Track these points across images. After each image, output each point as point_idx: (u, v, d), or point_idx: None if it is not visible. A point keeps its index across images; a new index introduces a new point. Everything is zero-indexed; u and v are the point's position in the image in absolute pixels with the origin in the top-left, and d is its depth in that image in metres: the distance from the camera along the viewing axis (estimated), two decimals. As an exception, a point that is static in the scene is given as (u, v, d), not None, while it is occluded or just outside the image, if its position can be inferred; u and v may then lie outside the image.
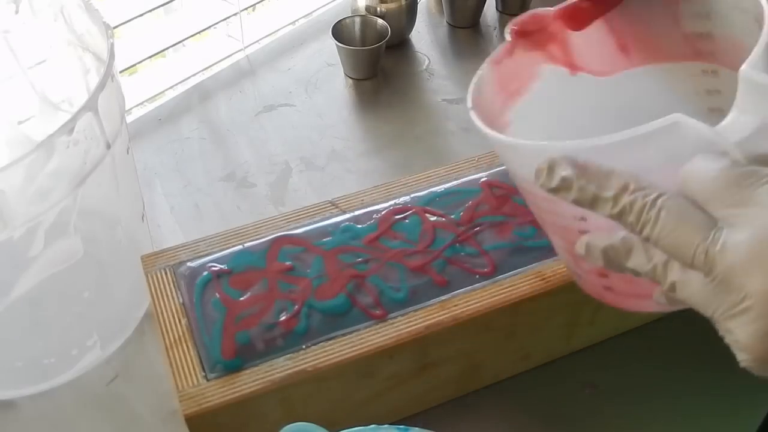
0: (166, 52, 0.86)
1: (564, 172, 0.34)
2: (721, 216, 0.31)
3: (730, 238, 0.31)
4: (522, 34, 0.46)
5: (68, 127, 0.45)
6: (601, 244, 0.36)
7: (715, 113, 0.46)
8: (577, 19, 0.46)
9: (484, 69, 0.44)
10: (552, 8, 0.46)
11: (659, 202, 0.32)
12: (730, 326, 0.32)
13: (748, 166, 0.31)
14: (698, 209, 0.32)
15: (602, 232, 0.36)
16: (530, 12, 0.46)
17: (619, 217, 0.33)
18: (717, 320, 0.32)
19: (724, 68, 0.45)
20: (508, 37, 0.45)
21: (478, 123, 0.39)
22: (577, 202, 0.34)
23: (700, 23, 0.44)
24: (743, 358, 0.32)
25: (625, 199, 0.33)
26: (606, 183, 0.33)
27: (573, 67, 0.47)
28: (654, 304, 0.38)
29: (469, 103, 0.41)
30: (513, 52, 0.46)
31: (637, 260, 0.34)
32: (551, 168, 0.34)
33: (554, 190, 0.35)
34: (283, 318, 0.48)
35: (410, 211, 0.55)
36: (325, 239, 0.53)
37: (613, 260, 0.35)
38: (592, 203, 0.34)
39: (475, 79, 0.43)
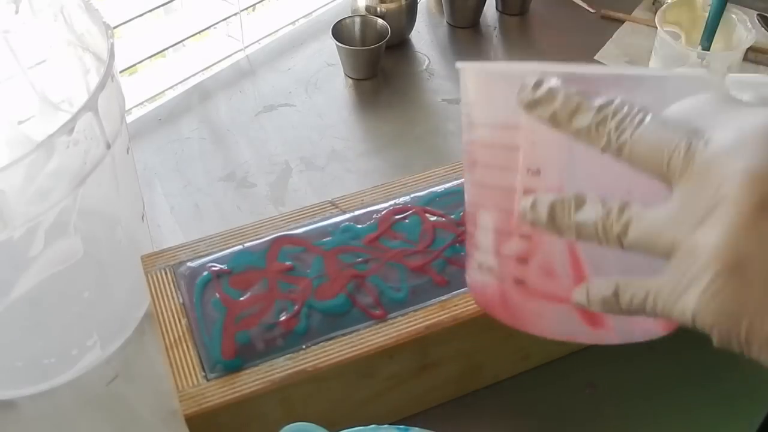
0: (166, 52, 0.86)
1: (553, 84, 0.33)
2: (705, 124, 0.30)
3: (715, 134, 0.30)
4: None
5: (68, 127, 0.45)
6: (550, 199, 0.34)
7: None
8: None
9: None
10: None
11: (643, 113, 0.31)
12: (698, 239, 0.29)
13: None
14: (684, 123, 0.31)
15: (551, 193, 0.35)
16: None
17: (597, 127, 0.32)
18: (676, 246, 0.30)
19: None
20: None
21: (464, 64, 0.39)
22: (555, 119, 0.33)
23: None
24: (705, 282, 0.29)
25: (610, 108, 0.32)
26: (593, 97, 0.32)
27: None
28: (563, 320, 0.37)
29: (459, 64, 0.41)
30: None
31: (588, 212, 0.33)
32: (539, 83, 0.34)
33: (536, 103, 0.34)
34: (283, 318, 0.48)
35: (410, 211, 0.55)
36: (325, 239, 0.53)
37: (559, 217, 0.34)
38: (572, 114, 0.33)
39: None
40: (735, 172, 0.28)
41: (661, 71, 0.31)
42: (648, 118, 0.31)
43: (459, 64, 0.40)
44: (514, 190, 0.37)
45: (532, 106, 0.34)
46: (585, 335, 0.39)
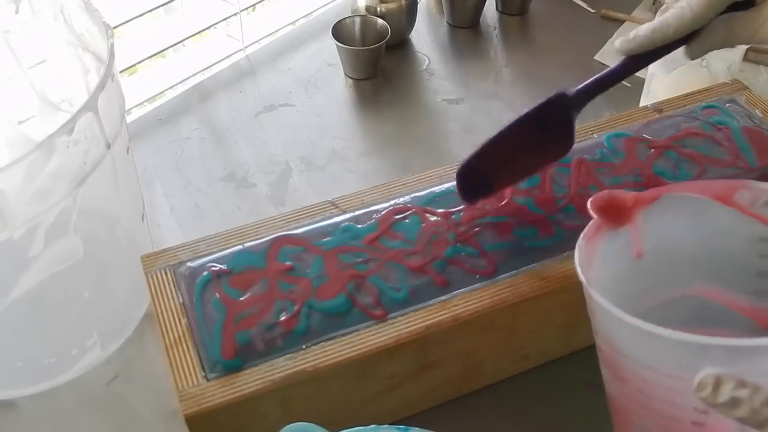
0: (166, 52, 0.86)
1: (735, 391, 0.33)
2: None
3: None
4: (602, 211, 0.45)
5: (68, 127, 0.45)
6: None
7: (762, 277, 0.47)
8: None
9: (581, 245, 0.44)
10: (630, 192, 0.46)
11: None
12: None
13: None
14: None
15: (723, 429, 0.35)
16: (608, 192, 0.46)
17: None
18: None
19: None
20: (592, 213, 0.45)
21: (609, 306, 0.38)
22: (743, 421, 0.33)
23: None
24: None
25: None
26: None
27: (639, 253, 0.47)
28: None
29: (584, 280, 0.41)
30: (600, 228, 0.45)
31: None
32: (718, 383, 0.33)
33: (719, 406, 0.33)
34: (283, 318, 0.48)
35: (410, 211, 0.55)
36: (325, 239, 0.53)
37: None
38: (762, 425, 0.32)
39: (577, 259, 0.42)
40: None
41: None
42: None
43: (597, 297, 0.39)
44: (682, 419, 0.37)
45: (714, 406, 0.33)
46: None
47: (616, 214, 0.46)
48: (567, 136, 0.52)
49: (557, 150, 0.53)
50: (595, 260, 0.44)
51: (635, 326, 0.36)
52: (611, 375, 0.43)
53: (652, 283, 0.48)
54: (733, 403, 0.33)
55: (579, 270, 0.41)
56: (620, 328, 0.39)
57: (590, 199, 0.46)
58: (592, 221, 0.45)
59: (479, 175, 0.53)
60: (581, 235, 0.44)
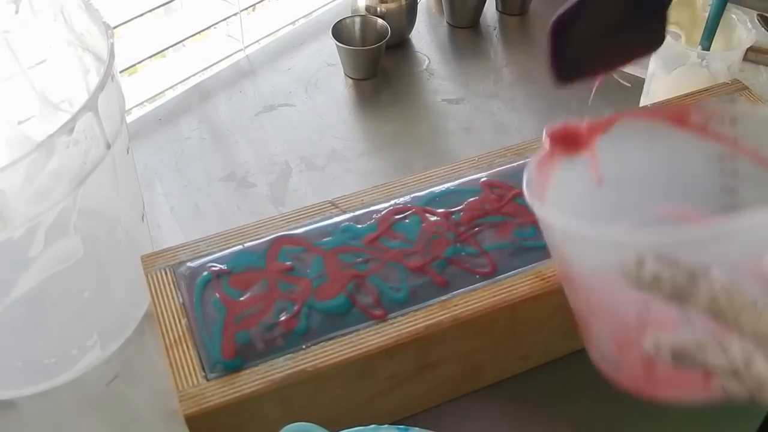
0: (166, 52, 0.86)
1: (655, 268, 0.33)
2: None
3: None
4: (559, 140, 0.46)
5: (68, 127, 0.45)
6: (671, 342, 0.34)
7: (726, 192, 0.47)
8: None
9: (531, 169, 0.44)
10: (584, 121, 0.46)
11: (760, 301, 0.31)
12: None
13: None
14: None
15: (666, 320, 0.36)
16: (564, 123, 0.46)
17: (716, 315, 0.32)
18: None
19: (744, 155, 0.45)
20: (546, 144, 0.46)
21: (543, 214, 0.39)
22: (665, 299, 0.33)
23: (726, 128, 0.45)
24: None
25: (723, 299, 0.32)
26: (702, 280, 0.32)
27: (599, 179, 0.48)
28: (701, 393, 0.37)
29: (528, 197, 0.41)
30: (553, 155, 0.46)
31: (714, 360, 0.33)
32: (639, 263, 0.33)
33: (643, 285, 0.34)
34: (283, 318, 0.48)
35: (410, 211, 0.55)
36: (325, 239, 0.53)
37: (684, 359, 0.34)
38: (683, 300, 0.33)
39: (526, 183, 0.42)
40: None
41: (753, 217, 0.32)
42: (760, 299, 0.31)
43: (537, 207, 0.39)
44: (627, 314, 0.38)
45: (639, 285, 0.34)
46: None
47: (571, 143, 0.46)
48: (658, 26, 0.50)
49: (646, 41, 0.50)
50: (551, 189, 0.44)
51: (562, 228, 0.37)
52: (567, 288, 0.43)
53: (617, 207, 0.47)
54: (655, 282, 0.33)
55: (527, 193, 0.41)
56: (556, 234, 0.40)
57: (548, 131, 0.46)
58: (543, 149, 0.45)
59: (570, 41, 0.49)
60: (530, 161, 0.44)
